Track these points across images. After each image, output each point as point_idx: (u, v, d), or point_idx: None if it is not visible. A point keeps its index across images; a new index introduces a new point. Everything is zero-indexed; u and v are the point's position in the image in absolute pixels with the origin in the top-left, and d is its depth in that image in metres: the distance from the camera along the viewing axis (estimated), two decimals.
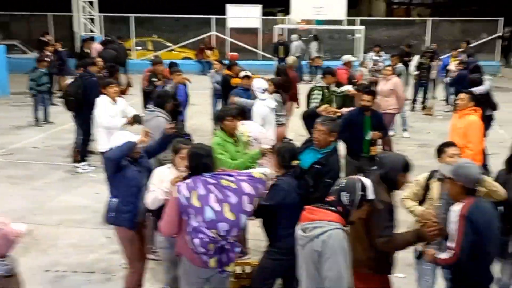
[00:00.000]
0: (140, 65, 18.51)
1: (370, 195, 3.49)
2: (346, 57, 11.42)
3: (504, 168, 4.80)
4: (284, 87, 8.40)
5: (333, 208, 3.44)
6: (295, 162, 4.49)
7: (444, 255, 3.93)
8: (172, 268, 4.62)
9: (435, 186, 4.44)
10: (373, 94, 7.16)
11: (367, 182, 3.52)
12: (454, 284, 4.10)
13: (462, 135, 6.47)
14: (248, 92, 8.46)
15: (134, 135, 4.89)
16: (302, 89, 10.70)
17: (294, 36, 19.72)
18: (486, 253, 3.85)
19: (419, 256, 4.56)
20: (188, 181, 3.99)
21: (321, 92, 8.65)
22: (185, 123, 9.18)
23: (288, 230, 4.35)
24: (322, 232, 3.33)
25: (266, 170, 4.34)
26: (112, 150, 4.70)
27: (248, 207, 4.00)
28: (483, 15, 23.40)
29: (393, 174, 3.97)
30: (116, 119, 7.47)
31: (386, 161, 4.05)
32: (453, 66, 13.07)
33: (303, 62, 18.91)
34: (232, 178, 4.03)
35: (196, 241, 3.87)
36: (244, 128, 5.88)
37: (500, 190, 4.46)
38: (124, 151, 4.63)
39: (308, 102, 8.74)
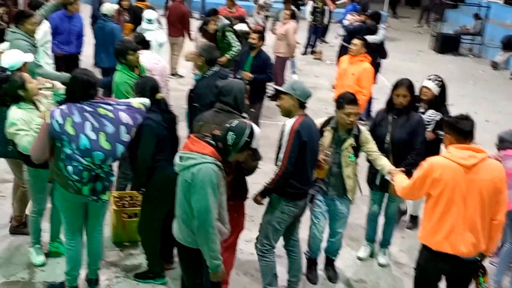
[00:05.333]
0: None
1: (254, 144, 3.50)
2: None
3: (384, 108, 5.02)
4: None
5: (212, 142, 3.44)
6: (158, 96, 4.41)
7: (271, 176, 4.07)
8: (43, 199, 4.50)
9: (328, 134, 4.53)
10: (260, 33, 7.08)
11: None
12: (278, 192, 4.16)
13: (355, 80, 6.78)
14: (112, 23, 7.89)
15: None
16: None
17: None
18: (305, 163, 4.09)
19: (311, 200, 4.60)
20: (63, 107, 3.80)
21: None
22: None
23: (162, 162, 4.29)
24: (194, 164, 3.34)
25: (146, 100, 4.19)
26: None
27: (125, 137, 3.89)
28: None
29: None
30: None
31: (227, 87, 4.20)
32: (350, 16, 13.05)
33: None
34: (110, 107, 3.89)
35: (70, 168, 3.76)
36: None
37: None
38: None
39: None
